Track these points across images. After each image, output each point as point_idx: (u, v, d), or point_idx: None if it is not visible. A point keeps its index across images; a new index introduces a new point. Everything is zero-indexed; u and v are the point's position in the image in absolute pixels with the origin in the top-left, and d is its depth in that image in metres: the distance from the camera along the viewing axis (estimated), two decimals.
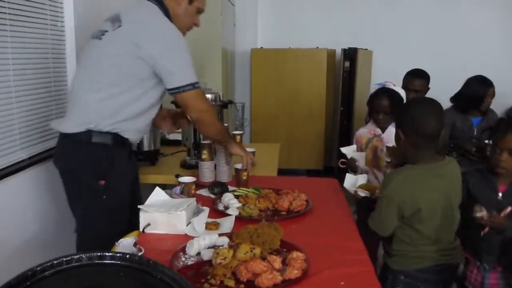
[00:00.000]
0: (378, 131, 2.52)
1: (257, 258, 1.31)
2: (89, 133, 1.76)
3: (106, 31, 1.78)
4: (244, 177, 2.17)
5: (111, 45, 1.76)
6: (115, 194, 1.80)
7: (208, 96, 2.53)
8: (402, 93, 2.47)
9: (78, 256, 0.96)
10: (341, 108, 4.73)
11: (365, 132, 2.62)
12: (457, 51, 4.80)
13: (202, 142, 2.29)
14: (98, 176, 1.77)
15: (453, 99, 3.35)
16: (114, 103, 1.78)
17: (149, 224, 1.59)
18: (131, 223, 1.81)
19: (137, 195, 2.06)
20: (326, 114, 4.86)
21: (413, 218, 1.61)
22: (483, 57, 4.62)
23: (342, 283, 1.29)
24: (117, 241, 1.45)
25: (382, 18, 5.01)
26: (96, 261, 0.98)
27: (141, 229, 1.60)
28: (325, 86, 4.77)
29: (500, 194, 1.81)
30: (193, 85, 1.81)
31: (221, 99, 2.63)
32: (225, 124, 2.37)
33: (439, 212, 1.62)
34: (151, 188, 2.79)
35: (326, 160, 5.04)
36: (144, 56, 1.73)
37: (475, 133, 3.17)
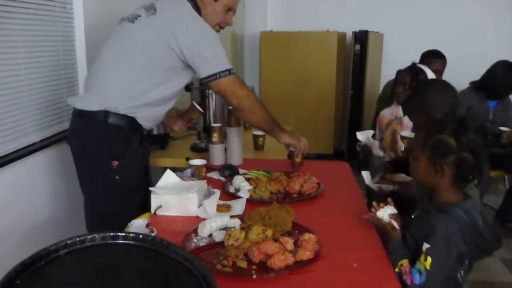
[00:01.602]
0: (400, 113, 2.49)
1: (269, 239, 1.30)
2: (106, 113, 1.77)
3: (140, 16, 1.81)
4: (298, 160, 2.12)
5: (144, 30, 1.78)
6: (128, 175, 1.81)
7: None
8: (430, 73, 2.43)
9: (91, 236, 0.96)
10: (351, 92, 4.68)
11: (387, 113, 2.60)
12: (473, 36, 4.70)
13: (212, 125, 2.28)
14: (112, 157, 1.77)
15: (477, 83, 3.30)
16: (139, 86, 1.79)
17: (160, 206, 1.59)
18: (143, 206, 1.82)
19: (148, 178, 2.07)
20: (336, 98, 4.81)
21: None
22: (502, 42, 4.52)
23: (355, 265, 1.28)
24: (129, 222, 1.46)
25: (394, 0, 4.93)
26: (109, 241, 0.98)
27: (152, 211, 1.60)
28: (335, 69, 4.71)
29: None
30: (229, 71, 1.81)
31: None
32: None
33: None
34: (161, 171, 2.81)
35: (336, 145, 5.01)
36: (176, 45, 1.74)
37: (490, 116, 3.14)
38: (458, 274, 1.35)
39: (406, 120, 2.45)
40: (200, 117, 2.45)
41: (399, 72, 2.49)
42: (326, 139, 4.87)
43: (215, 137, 2.23)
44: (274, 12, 5.09)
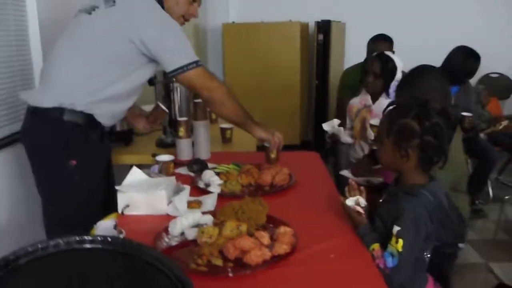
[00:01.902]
0: (369, 101, 2.50)
1: (245, 234, 1.26)
2: (61, 110, 1.67)
3: (97, 7, 1.71)
4: (273, 155, 2.05)
5: (102, 22, 1.69)
6: (88, 175, 1.72)
7: None
8: (398, 61, 2.44)
9: (55, 241, 0.88)
10: (316, 82, 4.69)
11: (356, 102, 2.60)
12: (434, 25, 4.78)
13: (179, 119, 2.21)
14: (69, 156, 1.68)
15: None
16: (96, 81, 1.70)
17: (128, 205, 1.52)
18: (106, 207, 1.74)
19: (111, 177, 1.99)
20: (301, 88, 4.82)
21: None
22: (463, 32, 4.60)
23: (332, 255, 1.26)
24: (92, 224, 1.38)
25: None
26: (75, 246, 0.91)
27: (119, 211, 1.53)
28: (299, 60, 4.71)
29: None
30: (196, 63, 1.75)
31: None
32: None
33: None
34: (126, 169, 2.71)
35: (303, 135, 5.02)
36: (137, 38, 1.66)
37: (452, 101, 3.19)
38: (425, 255, 1.36)
39: (375, 108, 2.46)
40: (166, 117, 2.38)
41: (367, 61, 2.49)
42: (292, 130, 4.87)
43: (182, 131, 2.16)
44: (236, 3, 5.03)
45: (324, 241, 1.34)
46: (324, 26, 4.54)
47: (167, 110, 2.26)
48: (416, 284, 1.38)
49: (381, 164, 1.53)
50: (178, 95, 2.43)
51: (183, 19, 1.93)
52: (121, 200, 1.53)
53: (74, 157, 1.69)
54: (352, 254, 1.29)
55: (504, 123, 3.58)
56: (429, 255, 1.36)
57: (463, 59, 3.22)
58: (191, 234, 1.34)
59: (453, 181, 1.61)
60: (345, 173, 1.90)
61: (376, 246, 1.31)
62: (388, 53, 2.49)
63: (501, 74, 5.07)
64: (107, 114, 1.78)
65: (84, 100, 1.69)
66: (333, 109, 4.72)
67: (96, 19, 1.70)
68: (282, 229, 1.32)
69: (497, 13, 4.82)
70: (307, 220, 1.50)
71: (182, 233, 1.37)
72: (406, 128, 1.34)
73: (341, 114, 3.46)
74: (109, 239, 0.93)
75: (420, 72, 1.71)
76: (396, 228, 1.28)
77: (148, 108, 2.92)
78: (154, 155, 2.17)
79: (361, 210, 1.42)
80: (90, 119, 1.72)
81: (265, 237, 1.27)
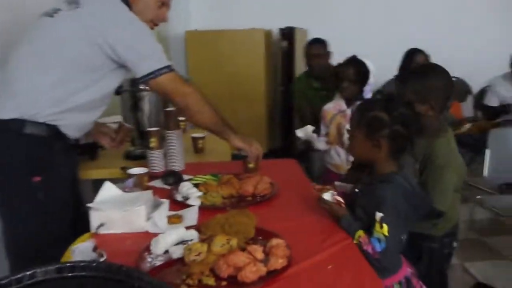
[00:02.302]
0: (343, 106, 2.47)
1: (236, 249, 1.17)
2: (21, 122, 1.53)
3: (60, 9, 1.58)
4: (252, 165, 1.95)
5: (65, 25, 1.57)
6: (53, 192, 1.58)
7: None
8: (370, 64, 2.43)
9: (31, 272, 0.77)
10: (282, 88, 4.66)
11: (330, 107, 2.56)
12: (393, 30, 4.86)
13: (149, 129, 2.09)
14: (33, 172, 1.54)
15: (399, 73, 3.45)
16: (61, 90, 1.57)
17: (102, 224, 1.39)
18: (75, 227, 1.61)
19: (79, 194, 1.84)
20: (267, 95, 4.76)
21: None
22: (421, 35, 4.70)
23: (330, 266, 1.19)
24: (61, 246, 1.25)
25: None
26: (54, 276, 0.80)
27: (93, 231, 1.40)
28: (264, 67, 4.66)
29: None
30: (169, 68, 1.65)
31: None
32: None
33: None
34: (91, 185, 2.55)
35: (270, 142, 4.96)
36: (105, 43, 1.55)
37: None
38: (402, 238, 1.40)
39: (350, 113, 2.43)
40: (133, 134, 2.25)
41: (341, 67, 2.45)
42: (259, 138, 4.74)
43: (153, 142, 2.04)
44: (198, 10, 4.93)
45: (318, 251, 1.27)
46: (288, 33, 4.53)
47: (132, 127, 2.14)
48: (395, 265, 1.42)
49: (353, 157, 1.60)
50: (146, 104, 2.30)
51: (152, 23, 1.83)
52: (95, 218, 1.40)
53: (38, 173, 1.54)
54: (350, 262, 1.24)
55: (467, 125, 3.67)
56: (405, 237, 1.41)
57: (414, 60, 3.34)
58: (176, 252, 1.23)
59: (457, 182, 1.61)
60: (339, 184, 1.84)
61: (361, 233, 1.36)
62: (359, 57, 2.48)
63: (458, 78, 5.22)
64: (73, 126, 1.64)
65: (48, 111, 1.55)
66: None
67: (59, 21, 1.58)
68: (274, 241, 1.24)
69: (453, 19, 4.97)
70: (296, 229, 1.43)
71: (166, 252, 1.26)
72: (376, 119, 1.41)
73: (304, 121, 3.43)
74: (93, 265, 0.82)
75: (430, 69, 1.71)
76: (379, 215, 1.33)
77: (111, 119, 2.79)
78: (123, 168, 2.05)
79: (341, 200, 1.47)
80: (54, 131, 1.59)
81: (258, 251, 1.18)
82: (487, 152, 2.46)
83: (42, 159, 1.57)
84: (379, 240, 1.32)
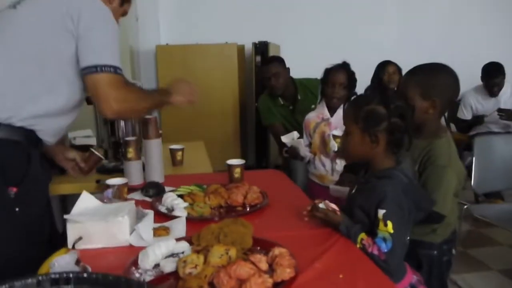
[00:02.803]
0: (327, 115, 2.40)
1: (239, 260, 1.04)
2: None
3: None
4: (237, 175, 1.85)
5: (31, 13, 1.42)
6: (30, 205, 1.40)
7: None
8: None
9: (8, 285, 0.62)
10: (256, 104, 4.57)
11: (313, 116, 2.47)
12: (365, 45, 4.90)
13: (126, 139, 1.95)
14: (8, 182, 1.35)
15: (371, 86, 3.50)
16: (33, 86, 1.41)
17: (80, 238, 1.24)
18: (50, 242, 1.44)
19: (49, 208, 1.67)
20: (240, 110, 4.67)
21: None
22: (393, 50, 4.76)
23: (341, 276, 1.08)
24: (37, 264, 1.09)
25: (287, 12, 4.98)
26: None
27: (70, 246, 1.24)
28: (237, 82, 4.57)
29: None
30: (115, 69, 1.46)
31: None
32: None
33: None
34: (60, 201, 2.35)
35: (244, 159, 4.84)
36: (74, 26, 1.39)
37: None
38: (407, 239, 1.34)
39: (334, 121, 2.36)
40: (102, 163, 2.08)
41: (332, 72, 2.38)
42: (233, 154, 4.66)
43: (131, 152, 1.90)
44: (169, 25, 4.82)
45: (324, 261, 1.16)
46: (262, 48, 4.48)
47: (103, 158, 1.96)
48: (400, 271, 1.33)
49: (348, 156, 1.51)
50: None
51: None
52: (72, 231, 1.24)
53: (14, 184, 1.36)
54: (359, 269, 1.14)
55: None
56: (408, 239, 1.35)
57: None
58: (168, 266, 1.10)
59: (457, 186, 1.54)
60: (335, 188, 1.74)
61: (363, 235, 1.29)
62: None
63: None
64: (51, 130, 1.48)
65: (25, 111, 1.39)
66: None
67: (23, 11, 1.43)
68: (277, 250, 1.12)
69: (423, 34, 5.08)
70: (295, 239, 1.31)
71: (156, 266, 1.12)
72: (373, 113, 1.35)
73: (278, 138, 3.34)
74: (83, 276, 0.68)
75: (440, 66, 1.63)
76: (381, 212, 1.27)
77: (82, 133, 2.61)
78: (98, 181, 1.89)
79: (336, 208, 1.39)
80: (31, 136, 1.42)
81: (262, 261, 1.06)
82: (473, 161, 2.44)
83: (18, 167, 1.39)
84: (384, 239, 1.24)
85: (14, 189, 1.36)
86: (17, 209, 1.36)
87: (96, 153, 1.86)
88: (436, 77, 1.59)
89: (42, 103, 1.42)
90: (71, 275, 0.66)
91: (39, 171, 1.46)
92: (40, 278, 0.65)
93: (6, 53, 1.40)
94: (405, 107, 1.37)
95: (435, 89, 1.54)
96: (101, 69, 1.42)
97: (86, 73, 1.43)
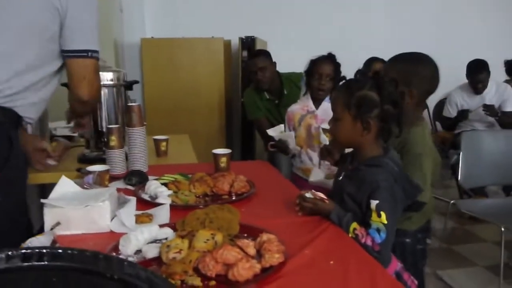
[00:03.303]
0: (312, 107, 2.34)
1: (226, 244, 1.00)
2: None
3: None
4: (223, 164, 1.81)
5: None
6: (12, 191, 1.34)
7: (110, 74, 2.11)
8: None
9: None
10: (242, 100, 4.52)
11: (297, 108, 2.42)
12: (353, 42, 4.88)
13: (109, 126, 1.88)
14: None
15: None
16: (16, 63, 1.35)
17: (58, 223, 1.18)
18: (27, 230, 1.37)
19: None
20: (226, 106, 4.61)
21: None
22: (381, 47, 4.74)
23: (332, 262, 1.04)
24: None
25: (274, 7, 4.95)
26: (5, 266, 0.60)
27: (47, 231, 1.17)
28: (223, 77, 4.51)
29: None
30: (98, 54, 1.47)
31: (126, 78, 2.22)
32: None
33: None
34: (38, 191, 2.27)
35: None
36: (60, 5, 1.35)
37: None
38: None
39: (320, 113, 2.32)
40: (69, 152, 2.04)
41: (318, 63, 2.33)
42: (219, 148, 4.62)
43: (114, 140, 1.83)
44: (154, 18, 4.75)
45: (313, 248, 1.12)
46: (249, 43, 4.42)
47: (69, 144, 1.92)
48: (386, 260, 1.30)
49: (337, 141, 1.47)
50: (104, 100, 2.08)
51: None
52: (49, 216, 1.18)
53: None
54: (351, 256, 1.10)
55: None
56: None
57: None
58: (151, 251, 1.05)
59: (433, 174, 1.52)
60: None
61: (355, 225, 1.25)
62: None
63: None
64: (30, 106, 1.42)
65: (5, 90, 1.32)
66: None
67: None
68: (265, 236, 1.08)
69: (413, 31, 5.09)
70: (284, 227, 1.27)
71: (138, 252, 1.07)
72: (366, 99, 1.31)
73: (262, 132, 3.31)
74: (59, 251, 0.63)
75: (422, 56, 1.63)
76: (374, 202, 1.24)
77: (61, 124, 2.54)
78: (79, 170, 1.83)
79: (323, 196, 1.35)
80: (11, 116, 1.35)
81: (250, 247, 1.02)
82: (460, 156, 2.42)
83: (2, 149, 1.32)
84: (378, 230, 1.21)
85: None
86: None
87: (62, 140, 1.82)
88: (416, 67, 1.59)
89: (25, 79, 1.35)
90: (44, 251, 0.61)
91: (20, 156, 1.39)
92: (10, 253, 0.60)
93: None
94: (396, 94, 1.34)
95: (413, 79, 1.54)
96: (91, 55, 1.45)
97: (74, 56, 1.43)
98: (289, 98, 3.16)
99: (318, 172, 1.92)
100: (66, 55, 1.44)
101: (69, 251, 0.61)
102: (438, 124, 4.39)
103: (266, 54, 3.33)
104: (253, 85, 3.39)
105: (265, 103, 3.31)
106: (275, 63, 3.33)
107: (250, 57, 3.47)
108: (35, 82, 1.39)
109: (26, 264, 0.60)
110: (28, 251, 0.61)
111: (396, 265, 1.33)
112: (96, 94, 1.55)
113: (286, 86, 3.27)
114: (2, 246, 1.13)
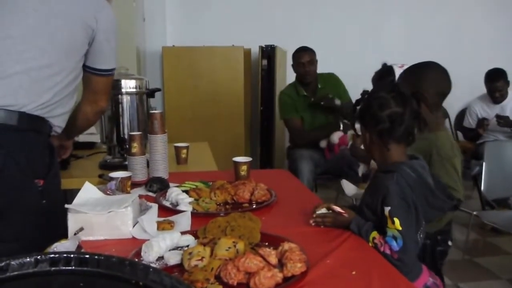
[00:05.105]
0: None
1: (248, 252, 0.99)
2: (16, 115, 1.28)
3: None
4: (243, 172, 1.82)
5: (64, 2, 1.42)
6: (55, 198, 1.36)
7: (133, 81, 2.14)
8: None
9: (4, 263, 0.58)
10: (261, 108, 4.54)
11: None
12: (371, 51, 4.86)
13: (131, 133, 1.90)
14: (36, 174, 1.30)
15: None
16: (54, 76, 1.38)
17: (82, 229, 1.19)
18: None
19: None
20: (245, 114, 4.62)
21: None
22: (399, 57, 4.72)
23: (354, 272, 1.03)
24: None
25: (295, 17, 4.96)
26: (34, 270, 0.61)
27: (70, 236, 1.19)
28: (243, 85, 4.53)
29: None
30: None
31: (148, 86, 2.25)
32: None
33: None
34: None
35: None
36: (96, 26, 1.44)
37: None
38: (419, 236, 1.28)
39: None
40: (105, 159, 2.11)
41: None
42: (238, 156, 4.63)
43: (135, 147, 1.85)
44: (175, 26, 4.80)
45: (334, 257, 1.11)
46: (268, 51, 4.45)
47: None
48: (412, 271, 1.25)
49: (367, 152, 1.45)
50: (126, 107, 2.11)
51: None
52: (73, 222, 1.20)
53: (42, 176, 1.32)
54: (373, 267, 1.08)
55: None
56: (422, 237, 1.30)
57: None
58: (173, 258, 1.05)
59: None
60: (348, 188, 1.73)
61: (375, 234, 1.24)
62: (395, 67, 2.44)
63: None
64: (62, 116, 1.45)
65: (46, 102, 1.35)
66: (279, 135, 4.58)
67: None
68: (287, 245, 1.07)
69: (429, 42, 5.04)
70: (305, 236, 1.26)
71: (160, 258, 1.08)
72: (396, 117, 1.29)
73: (296, 134, 3.35)
74: (86, 256, 0.63)
75: (427, 62, 1.67)
76: (387, 209, 1.22)
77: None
78: (101, 176, 1.85)
79: (340, 210, 1.33)
80: (46, 126, 1.38)
81: (272, 255, 1.01)
82: (483, 167, 2.38)
83: (46, 158, 1.36)
84: (394, 237, 1.18)
85: (42, 182, 1.31)
86: (44, 201, 1.31)
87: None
88: (422, 72, 1.62)
89: (62, 91, 1.40)
90: (72, 256, 0.61)
91: (57, 163, 1.44)
92: (38, 257, 0.60)
93: (38, 35, 1.35)
94: (419, 110, 1.33)
95: (422, 83, 1.56)
96: (111, 73, 1.59)
97: (102, 74, 1.54)
98: (320, 92, 3.32)
99: (349, 185, 1.92)
100: (95, 72, 1.52)
101: (96, 257, 0.62)
102: (459, 134, 4.31)
103: (312, 50, 3.43)
104: (294, 82, 3.48)
105: (301, 101, 3.37)
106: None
107: (298, 51, 3.48)
108: (67, 94, 1.43)
109: (53, 268, 0.61)
110: (56, 255, 0.62)
111: (426, 279, 1.30)
112: (106, 106, 1.69)
113: (320, 81, 3.41)
114: (40, 248, 1.16)
